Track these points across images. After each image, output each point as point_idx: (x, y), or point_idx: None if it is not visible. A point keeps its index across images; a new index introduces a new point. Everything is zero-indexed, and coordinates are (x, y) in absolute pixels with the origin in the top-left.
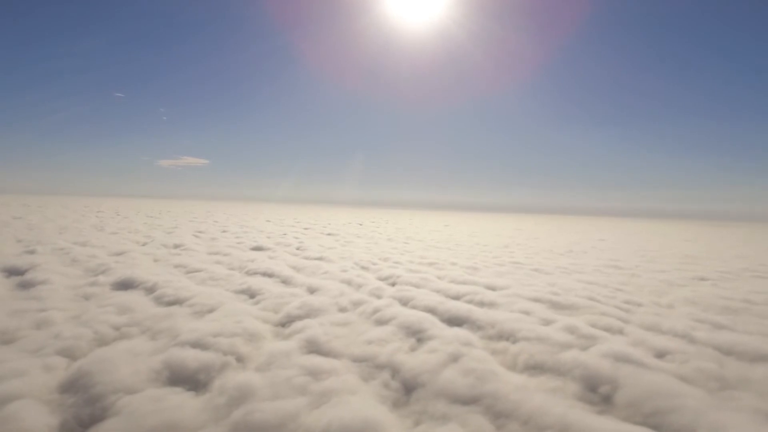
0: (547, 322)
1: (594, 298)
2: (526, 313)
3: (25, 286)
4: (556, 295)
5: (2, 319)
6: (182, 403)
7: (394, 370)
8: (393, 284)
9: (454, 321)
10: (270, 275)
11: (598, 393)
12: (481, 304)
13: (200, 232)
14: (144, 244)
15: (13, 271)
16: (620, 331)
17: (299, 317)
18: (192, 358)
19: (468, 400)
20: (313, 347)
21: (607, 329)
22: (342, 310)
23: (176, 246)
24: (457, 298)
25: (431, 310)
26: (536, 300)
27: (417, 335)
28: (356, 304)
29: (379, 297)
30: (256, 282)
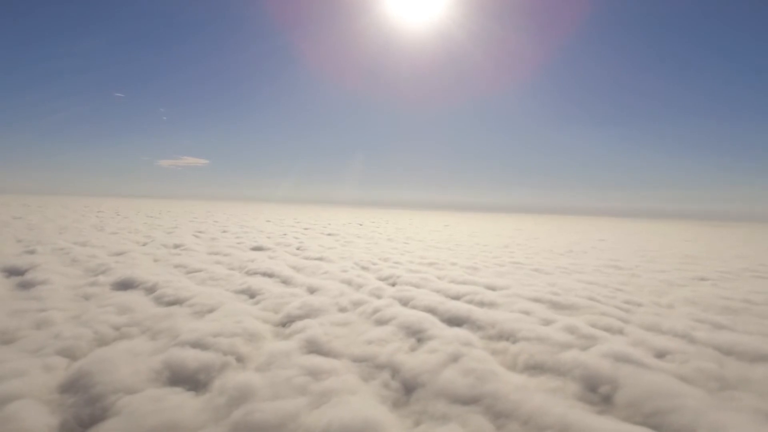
0: (547, 322)
1: (594, 298)
2: (526, 313)
3: (25, 286)
4: (556, 295)
5: (2, 319)
6: (182, 403)
7: (394, 370)
8: (393, 284)
9: (454, 321)
10: (270, 275)
11: (598, 393)
12: (481, 304)
13: (200, 232)
14: (144, 244)
15: (13, 271)
16: (620, 331)
17: (299, 317)
18: (192, 358)
19: (468, 400)
20: (314, 347)
21: (607, 329)
22: (342, 310)
23: (176, 246)
24: (457, 298)
25: (431, 310)
26: (536, 300)
27: (417, 335)
28: (356, 304)
29: (379, 297)
30: (257, 282)
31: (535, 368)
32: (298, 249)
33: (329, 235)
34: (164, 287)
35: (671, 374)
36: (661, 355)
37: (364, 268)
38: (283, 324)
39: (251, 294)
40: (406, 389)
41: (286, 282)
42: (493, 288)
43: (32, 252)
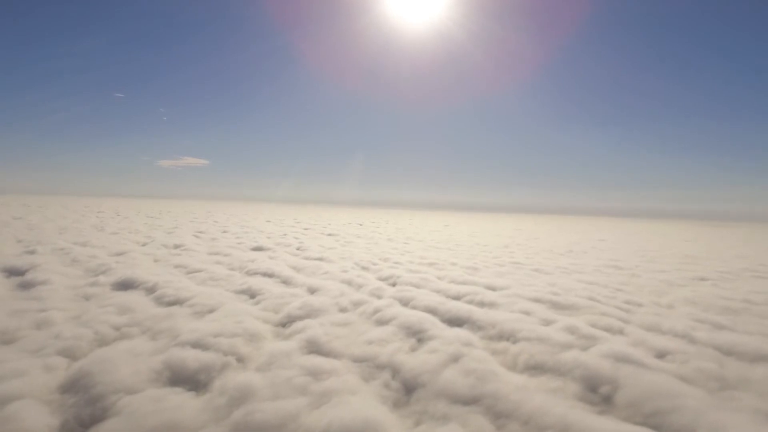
0: (547, 323)
1: (594, 299)
2: (527, 313)
3: (26, 286)
4: (556, 295)
5: (3, 320)
6: (183, 403)
7: (395, 371)
8: (393, 284)
9: (454, 321)
10: (270, 275)
11: (598, 393)
12: (482, 304)
13: (200, 232)
14: (144, 245)
15: (13, 272)
16: (620, 332)
17: (300, 317)
18: (192, 358)
19: (468, 401)
20: (314, 347)
21: (608, 329)
22: (342, 310)
23: (176, 246)
24: (457, 298)
25: (432, 311)
26: (536, 300)
27: (417, 335)
28: (357, 304)
29: (379, 297)
30: (257, 282)
31: (535, 368)
32: (298, 249)
33: (329, 235)
34: (164, 287)
35: (671, 374)
36: (661, 355)
37: (364, 269)
38: (284, 324)
39: (251, 294)
40: (407, 389)
41: (286, 282)
42: (493, 288)
43: (32, 252)
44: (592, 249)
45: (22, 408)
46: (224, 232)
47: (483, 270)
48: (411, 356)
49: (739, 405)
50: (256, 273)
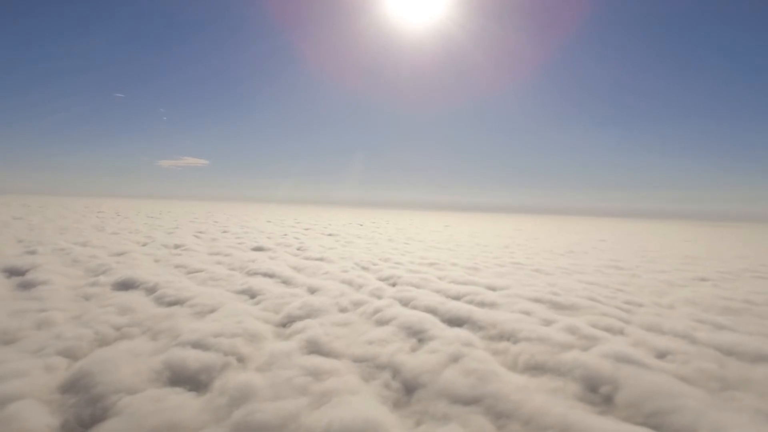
0: (547, 323)
1: (595, 299)
2: (527, 313)
3: (26, 286)
4: (556, 295)
5: (3, 320)
6: (183, 403)
7: (395, 371)
8: (394, 285)
9: (454, 321)
10: (271, 276)
11: (599, 393)
12: (482, 304)
13: (201, 232)
14: (145, 245)
15: (13, 272)
16: (621, 332)
17: (300, 317)
18: (193, 358)
19: (469, 401)
20: (314, 347)
21: (608, 330)
22: (343, 310)
23: (177, 246)
24: (457, 298)
25: (432, 311)
26: (537, 300)
27: (418, 335)
28: (357, 304)
29: (379, 297)
30: (257, 282)
31: (536, 368)
32: (298, 249)
33: (330, 235)
34: (165, 287)
35: (672, 374)
36: (661, 355)
37: (364, 269)
38: (284, 324)
39: (252, 294)
40: (407, 389)
41: (286, 282)
42: (493, 288)
43: (33, 252)
44: (593, 249)
45: (22, 408)
46: (224, 232)
47: (483, 270)
48: (411, 356)
49: (740, 405)
50: (256, 273)
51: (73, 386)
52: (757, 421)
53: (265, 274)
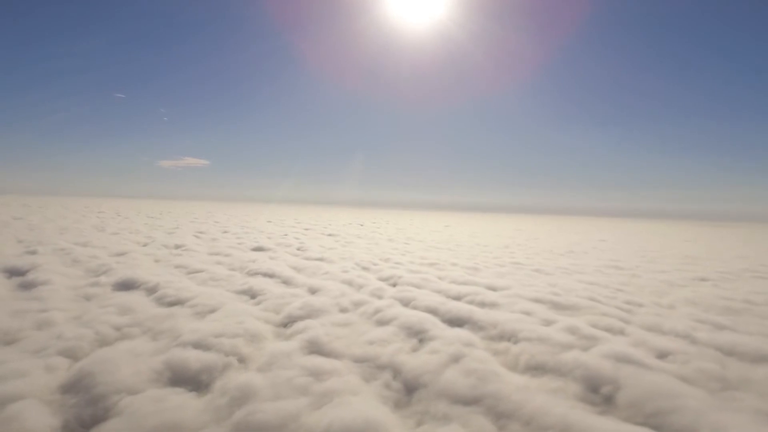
0: (548, 323)
1: (595, 299)
2: (527, 313)
3: (27, 286)
4: (557, 295)
5: (4, 320)
6: (184, 403)
7: (396, 371)
8: (394, 285)
9: (455, 321)
10: (271, 276)
11: (599, 393)
12: (482, 304)
13: (201, 232)
14: (145, 245)
15: (14, 272)
16: (621, 332)
17: (300, 318)
18: (194, 358)
19: (469, 401)
20: (315, 348)
21: (608, 330)
22: (343, 310)
23: (177, 246)
24: (458, 298)
25: (432, 311)
26: (537, 300)
27: (418, 336)
28: (357, 304)
29: (380, 297)
30: (258, 282)
31: (536, 369)
32: (298, 249)
33: (330, 235)
34: (165, 288)
35: (672, 375)
36: (662, 355)
37: (364, 269)
38: (285, 324)
39: (252, 294)
40: (408, 390)
41: (287, 282)
42: (494, 288)
43: (33, 252)
44: (593, 249)
45: (23, 408)
46: (225, 232)
47: (484, 270)
48: (412, 356)
49: (741, 405)
50: (256, 273)
51: (73, 386)
52: (757, 421)
53: (266, 275)
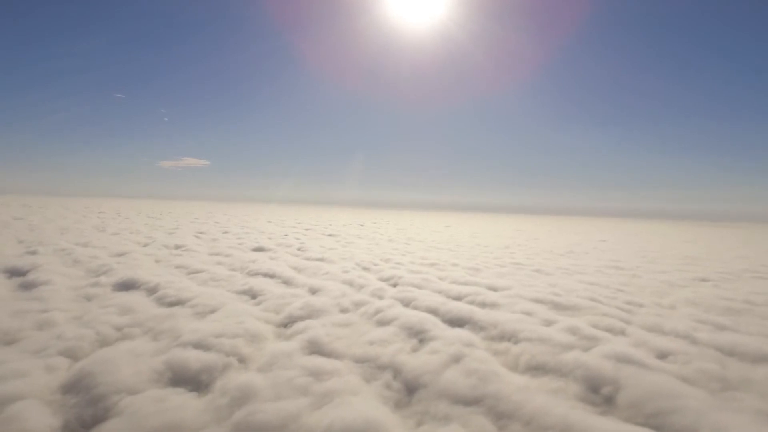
0: (548, 323)
1: (595, 299)
2: (528, 313)
3: (27, 286)
4: (557, 295)
5: (4, 320)
6: (184, 403)
7: (396, 371)
8: (394, 285)
9: (455, 322)
10: (271, 276)
11: (600, 394)
12: (483, 304)
13: (201, 233)
14: (145, 245)
15: (14, 272)
16: (622, 332)
17: (301, 318)
18: (194, 358)
19: (470, 401)
20: (315, 348)
21: (609, 330)
22: (344, 310)
23: (177, 247)
24: (458, 298)
25: (433, 311)
26: (538, 301)
27: (419, 336)
28: (358, 304)
29: (380, 298)
30: (258, 283)
31: (536, 369)
32: (299, 250)
33: (330, 235)
34: (166, 288)
35: (673, 375)
36: (662, 355)
37: (365, 269)
38: (285, 325)
39: (253, 295)
40: (408, 390)
41: (287, 283)
42: (494, 289)
43: (34, 253)
44: (593, 250)
45: (24, 408)
46: (225, 232)
47: (484, 271)
48: (412, 357)
49: (741, 406)
50: (257, 274)
51: (74, 386)
52: (758, 421)
53: (266, 275)
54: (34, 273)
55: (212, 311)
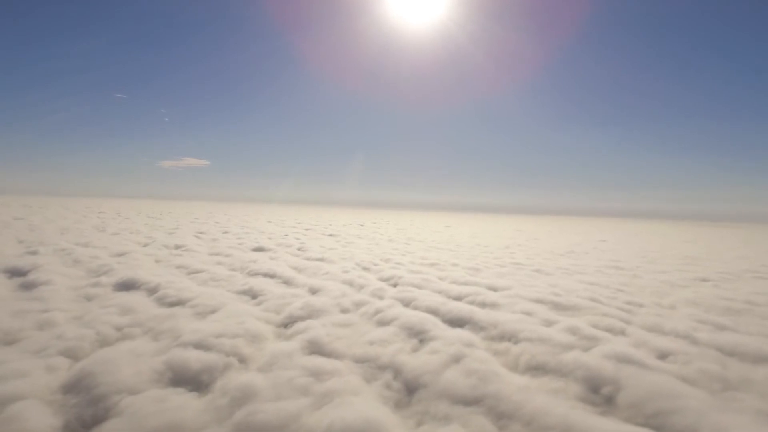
0: (548, 323)
1: (596, 299)
2: (528, 314)
3: (28, 287)
4: (557, 296)
5: (5, 320)
6: (185, 403)
7: (396, 371)
8: (395, 285)
9: (456, 322)
10: (272, 276)
11: (600, 394)
12: (483, 305)
13: (201, 233)
14: (146, 245)
15: (15, 272)
16: (622, 332)
17: (301, 318)
18: (194, 359)
19: (470, 401)
20: (315, 348)
21: (609, 330)
22: (344, 311)
23: (178, 247)
24: (458, 299)
25: (433, 311)
26: (538, 301)
27: (419, 336)
28: (358, 305)
29: (380, 298)
30: (258, 283)
31: (537, 369)
32: (299, 250)
33: (330, 235)
34: (166, 288)
35: (673, 375)
36: (663, 356)
37: (365, 269)
38: (285, 325)
39: (253, 295)
40: (408, 390)
41: (287, 283)
42: (494, 289)
43: (34, 253)
44: (593, 250)
45: (24, 408)
46: (225, 232)
47: (484, 271)
48: (412, 357)
49: (742, 406)
50: (257, 274)
51: (74, 387)
52: (758, 421)
53: (266, 275)
54: (35, 273)
55: (212, 311)
